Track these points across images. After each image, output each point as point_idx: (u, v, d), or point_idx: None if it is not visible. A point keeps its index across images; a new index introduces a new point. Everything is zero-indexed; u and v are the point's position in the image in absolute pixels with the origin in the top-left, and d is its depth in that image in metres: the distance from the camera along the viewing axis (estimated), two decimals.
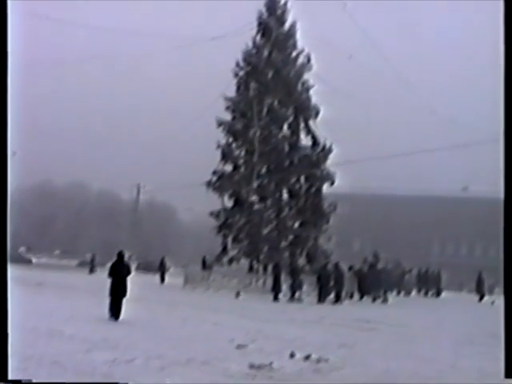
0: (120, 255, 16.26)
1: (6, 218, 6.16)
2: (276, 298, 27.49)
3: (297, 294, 27.92)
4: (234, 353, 10.61)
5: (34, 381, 6.55)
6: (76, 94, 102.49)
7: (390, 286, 33.86)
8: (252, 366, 9.20)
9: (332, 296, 28.03)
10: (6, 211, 6.16)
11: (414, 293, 39.89)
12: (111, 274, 15.82)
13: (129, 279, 15.90)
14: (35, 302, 17.09)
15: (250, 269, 34.86)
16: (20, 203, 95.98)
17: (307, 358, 10.22)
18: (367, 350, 11.85)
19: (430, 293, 39.92)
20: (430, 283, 40.25)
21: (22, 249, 75.36)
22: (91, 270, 47.32)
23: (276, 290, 27.92)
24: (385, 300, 30.70)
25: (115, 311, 15.30)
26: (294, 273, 28.78)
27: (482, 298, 37.40)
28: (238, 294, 26.18)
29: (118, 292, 15.49)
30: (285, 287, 28.60)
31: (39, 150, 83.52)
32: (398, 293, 37.83)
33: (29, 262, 59.51)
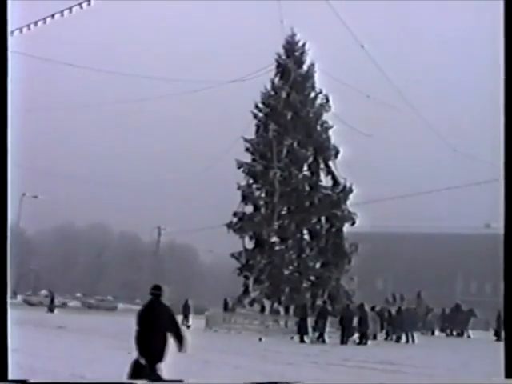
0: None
1: (6, 252, 6.22)
2: (302, 340, 27.21)
3: (315, 335, 27.62)
4: None
5: (32, 381, 6.49)
6: (96, 138, 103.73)
7: (414, 326, 33.38)
8: None
9: (355, 337, 27.73)
10: (6, 244, 6.22)
11: (437, 332, 39.29)
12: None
13: None
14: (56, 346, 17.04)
15: (272, 310, 34.63)
16: (42, 245, 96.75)
17: None
18: None
19: (454, 332, 39.24)
20: (454, 323, 39.58)
21: (43, 291, 75.55)
22: (50, 310, 44.93)
23: (302, 331, 27.66)
24: (409, 341, 30.21)
25: None
26: (320, 315, 28.50)
27: (499, 337, 36.30)
28: (260, 340, 25.93)
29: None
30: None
31: (61, 193, 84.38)
32: (422, 332, 37.27)
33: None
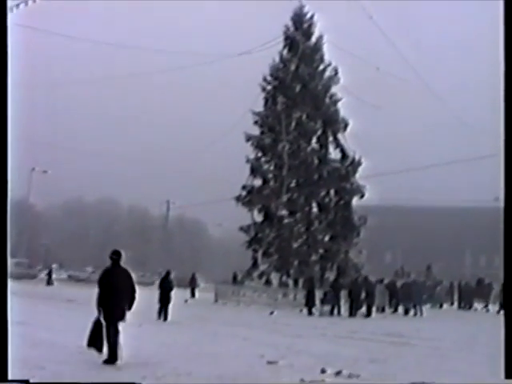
0: (167, 273, 22.08)
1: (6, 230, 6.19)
2: (310, 312, 27.33)
3: (327, 308, 27.68)
4: (264, 369, 10.53)
5: (32, 381, 6.54)
6: (105, 112, 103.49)
7: (422, 299, 33.39)
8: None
9: (363, 310, 27.81)
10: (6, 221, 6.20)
11: (446, 305, 39.27)
12: (160, 287, 21.18)
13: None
14: (66, 318, 17.18)
15: (280, 283, 34.76)
16: (51, 220, 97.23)
17: (338, 373, 10.10)
18: (399, 365, 11.68)
19: (462, 305, 39.21)
20: (463, 296, 39.53)
21: (54, 265, 76.02)
22: (48, 283, 45.12)
23: (310, 304, 27.76)
24: (417, 313, 30.23)
25: (164, 315, 20.20)
26: (333, 288, 28.50)
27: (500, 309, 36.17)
28: (271, 313, 26.01)
29: (165, 301, 20.47)
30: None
31: (70, 168, 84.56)
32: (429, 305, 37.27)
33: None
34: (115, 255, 10.88)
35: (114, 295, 10.46)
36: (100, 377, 9.02)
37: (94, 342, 10.43)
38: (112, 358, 10.37)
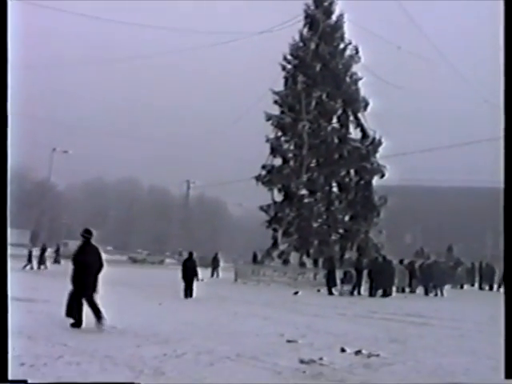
0: (190, 254, 22.52)
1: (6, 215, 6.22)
2: (330, 292, 27.34)
3: (347, 288, 27.68)
4: (283, 348, 10.56)
5: (30, 381, 6.61)
6: (126, 93, 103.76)
7: (443, 279, 33.27)
8: (302, 361, 9.14)
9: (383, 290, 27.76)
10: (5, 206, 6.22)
11: (466, 286, 39.14)
12: (183, 266, 21.84)
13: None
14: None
15: (300, 263, 34.80)
16: (72, 200, 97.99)
17: (358, 353, 10.10)
18: (419, 346, 11.66)
19: (483, 286, 39.08)
20: (483, 276, 39.37)
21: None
22: (56, 261, 44.52)
23: (330, 284, 27.76)
24: (437, 294, 30.15)
25: (189, 293, 21.02)
26: (355, 268, 28.46)
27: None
28: (296, 293, 26.02)
29: (189, 280, 21.26)
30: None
31: (90, 148, 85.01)
32: (450, 286, 37.17)
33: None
34: (87, 233, 12.01)
35: (87, 270, 11.63)
36: (122, 353, 9.10)
37: (71, 311, 11.54)
38: (78, 323, 11.48)
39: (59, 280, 15.48)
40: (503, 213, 6.76)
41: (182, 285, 21.44)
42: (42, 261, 38.05)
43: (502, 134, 7.06)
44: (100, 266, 11.89)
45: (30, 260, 37.14)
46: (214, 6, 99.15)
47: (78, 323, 11.50)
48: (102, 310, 11.61)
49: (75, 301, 11.52)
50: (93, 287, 11.67)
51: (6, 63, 6.08)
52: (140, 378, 7.56)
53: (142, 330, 11.82)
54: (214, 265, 40.61)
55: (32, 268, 36.26)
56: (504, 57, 6.73)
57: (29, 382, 6.44)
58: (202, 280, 26.33)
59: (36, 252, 38.66)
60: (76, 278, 11.60)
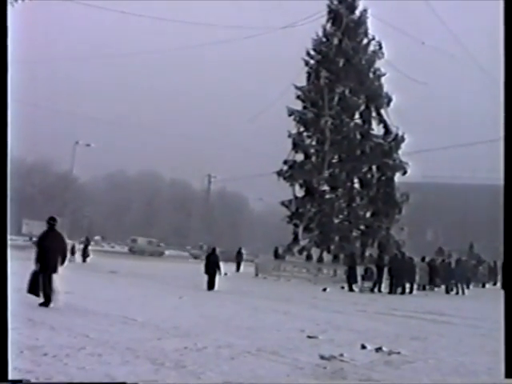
0: (213, 249, 23.56)
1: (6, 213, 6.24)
2: (351, 288, 27.24)
3: (368, 285, 27.56)
4: (304, 343, 10.55)
5: (33, 381, 6.65)
6: (148, 86, 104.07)
7: (464, 277, 33.03)
8: (322, 357, 9.13)
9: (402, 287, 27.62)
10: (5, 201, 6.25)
11: (488, 285, 38.79)
12: (207, 260, 22.75)
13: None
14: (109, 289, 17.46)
15: (321, 259, 34.76)
16: (94, 193, 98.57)
17: (378, 350, 10.07)
18: (440, 344, 11.59)
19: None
20: None
21: (97, 237, 77.29)
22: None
23: (351, 280, 27.66)
24: (459, 292, 29.95)
25: (211, 286, 21.85)
26: (376, 265, 28.30)
27: None
28: (324, 290, 25.90)
29: (212, 274, 22.10)
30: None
31: (113, 141, 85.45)
32: (471, 284, 36.84)
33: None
34: (52, 221, 13.41)
35: (49, 253, 12.96)
36: (144, 345, 9.15)
37: (33, 289, 12.83)
38: (47, 302, 12.85)
39: (82, 273, 15.63)
40: (503, 213, 6.66)
41: (205, 278, 22.21)
42: (85, 254, 38.03)
43: None
44: (63, 251, 13.35)
45: (72, 253, 37.05)
46: (238, 0, 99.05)
47: (46, 302, 12.85)
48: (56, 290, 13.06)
49: (38, 280, 12.87)
50: (53, 268, 13.04)
51: (7, 60, 6.10)
52: (161, 371, 7.59)
53: (163, 323, 11.87)
54: (238, 259, 40.80)
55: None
56: (504, 57, 6.65)
57: (24, 381, 6.47)
58: (226, 274, 26.37)
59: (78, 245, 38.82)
60: (39, 260, 12.97)
